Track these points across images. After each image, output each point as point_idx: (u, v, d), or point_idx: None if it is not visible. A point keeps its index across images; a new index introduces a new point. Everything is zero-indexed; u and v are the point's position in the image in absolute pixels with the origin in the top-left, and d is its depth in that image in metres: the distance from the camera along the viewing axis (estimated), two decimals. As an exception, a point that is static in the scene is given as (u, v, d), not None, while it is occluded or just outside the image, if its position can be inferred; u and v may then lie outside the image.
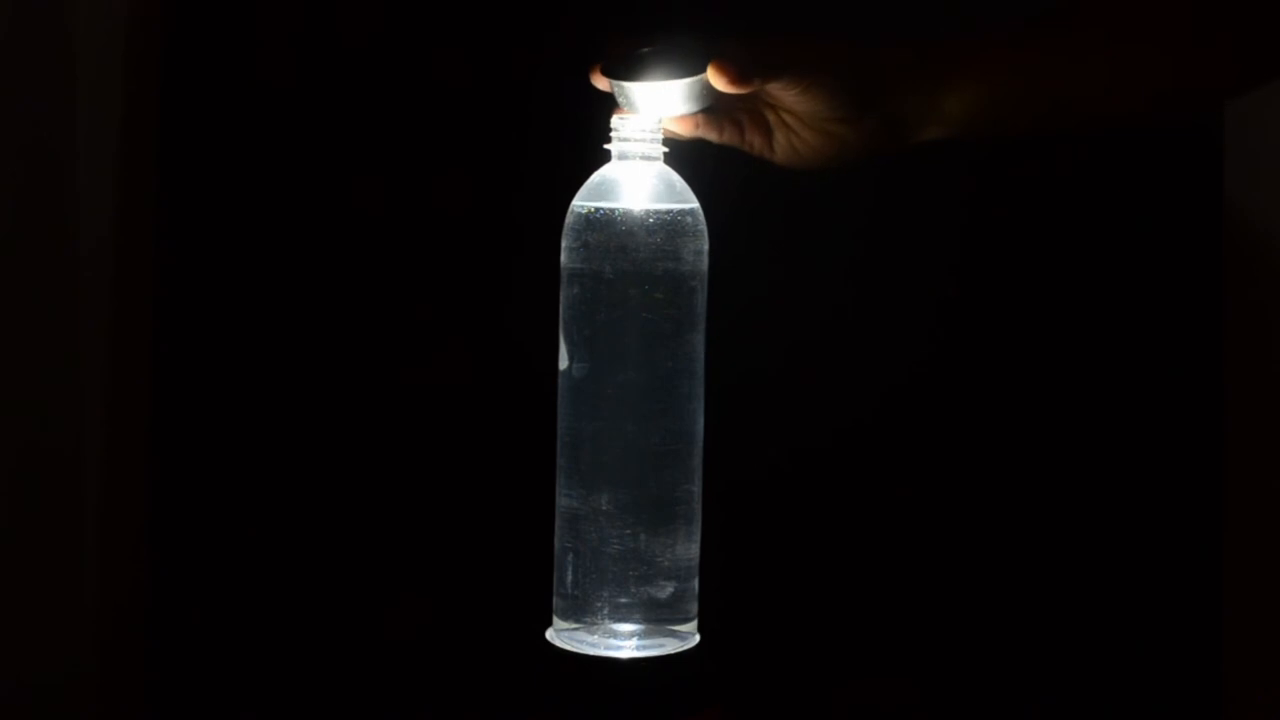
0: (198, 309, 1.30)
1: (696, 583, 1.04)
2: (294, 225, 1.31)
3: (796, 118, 1.06)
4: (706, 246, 1.03)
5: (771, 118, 1.07)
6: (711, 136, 1.06)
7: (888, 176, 1.25)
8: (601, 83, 1.03)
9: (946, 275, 1.36)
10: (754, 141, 1.07)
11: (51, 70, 1.18)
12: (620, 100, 1.03)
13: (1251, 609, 1.33)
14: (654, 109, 1.03)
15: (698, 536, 1.03)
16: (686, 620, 1.03)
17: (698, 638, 1.03)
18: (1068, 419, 1.36)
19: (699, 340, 1.03)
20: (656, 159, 1.03)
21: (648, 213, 1.01)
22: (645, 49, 1.02)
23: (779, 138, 1.07)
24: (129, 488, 1.25)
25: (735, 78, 1.01)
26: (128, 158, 1.23)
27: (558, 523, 1.03)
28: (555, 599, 1.03)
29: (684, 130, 1.05)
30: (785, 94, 1.04)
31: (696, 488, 1.03)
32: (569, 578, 1.02)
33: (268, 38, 1.30)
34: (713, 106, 1.05)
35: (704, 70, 1.01)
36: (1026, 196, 1.36)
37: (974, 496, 1.36)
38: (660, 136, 1.03)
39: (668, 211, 1.02)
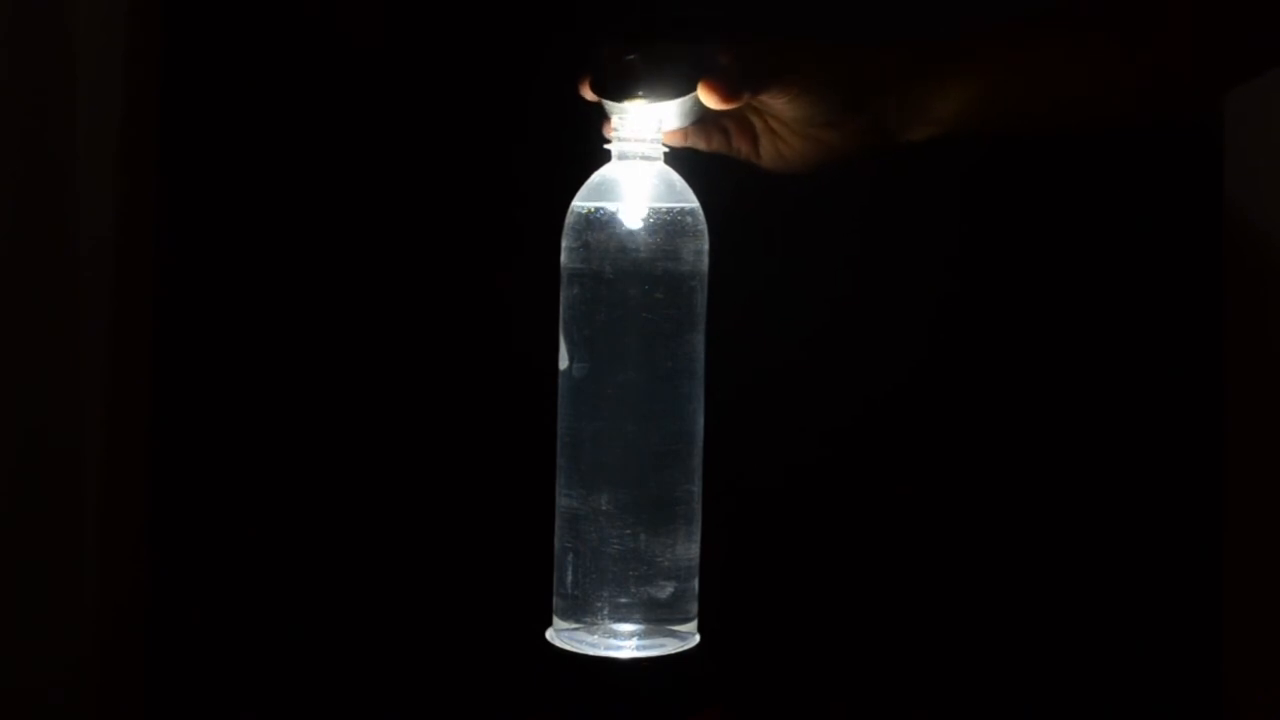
0: (198, 309, 1.30)
1: (696, 583, 1.04)
2: (294, 225, 1.31)
3: (782, 123, 1.07)
4: (706, 246, 1.03)
5: (758, 123, 1.08)
6: (700, 145, 1.07)
7: (889, 176, 1.25)
8: (591, 95, 1.03)
9: (946, 274, 1.36)
10: (741, 147, 1.08)
11: (51, 70, 1.18)
12: (611, 113, 1.04)
13: (1251, 609, 1.33)
14: (645, 124, 1.03)
15: (697, 536, 1.03)
16: (686, 620, 1.03)
17: (698, 638, 1.03)
18: (1068, 418, 1.36)
19: (699, 340, 1.03)
20: (656, 159, 1.03)
21: (648, 212, 1.01)
22: (632, 57, 1.02)
23: (765, 143, 1.08)
24: (129, 488, 1.25)
25: (725, 95, 1.02)
26: (128, 158, 1.23)
27: (558, 523, 1.03)
28: (555, 599, 1.03)
29: (674, 142, 1.06)
30: (773, 101, 1.04)
31: (696, 488, 1.03)
32: (569, 578, 1.02)
33: (269, 37, 1.30)
34: (701, 117, 1.06)
35: (694, 89, 1.02)
36: (1027, 196, 1.36)
37: (974, 494, 1.36)
38: (660, 136, 1.04)
39: (668, 211, 1.02)
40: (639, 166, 1.03)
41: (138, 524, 1.26)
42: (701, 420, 1.03)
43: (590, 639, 1.02)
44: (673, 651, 1.02)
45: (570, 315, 1.02)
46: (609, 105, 1.03)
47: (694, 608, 1.04)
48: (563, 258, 1.03)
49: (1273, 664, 1.31)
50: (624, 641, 1.02)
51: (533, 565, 1.06)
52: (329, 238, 1.32)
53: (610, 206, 1.01)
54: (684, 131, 1.06)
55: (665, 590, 1.02)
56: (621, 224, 1.01)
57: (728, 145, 1.08)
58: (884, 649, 1.36)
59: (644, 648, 1.02)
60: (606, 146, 1.04)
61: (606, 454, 1.01)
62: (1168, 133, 1.32)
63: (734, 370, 1.10)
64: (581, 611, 1.02)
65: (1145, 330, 1.36)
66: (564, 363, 1.02)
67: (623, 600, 1.01)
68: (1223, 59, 1.07)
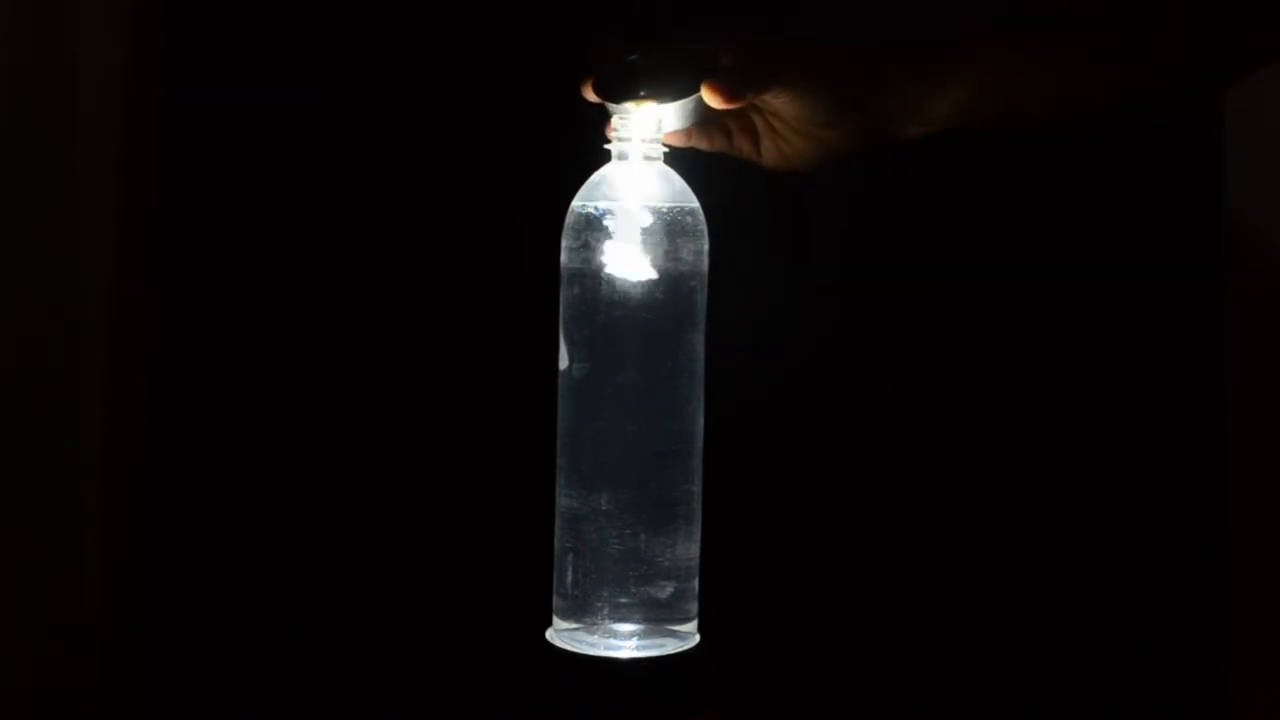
0: (198, 307, 1.30)
1: (696, 583, 1.04)
2: (294, 224, 1.32)
3: (783, 121, 1.07)
4: (706, 246, 1.03)
5: (759, 123, 1.08)
6: (702, 145, 1.08)
7: (890, 176, 1.25)
8: (594, 97, 1.03)
9: (946, 274, 1.36)
10: (742, 146, 1.09)
11: (51, 71, 1.18)
12: (613, 113, 1.04)
13: (1251, 609, 1.33)
14: (646, 124, 1.03)
15: (697, 536, 1.03)
16: (686, 620, 1.03)
17: (698, 638, 1.03)
18: (1068, 419, 1.36)
19: (699, 340, 1.03)
20: (656, 159, 1.03)
21: (648, 212, 1.01)
22: (634, 57, 1.03)
23: (766, 142, 1.08)
24: (129, 488, 1.25)
25: (729, 96, 1.02)
26: (128, 158, 1.23)
27: (558, 523, 1.03)
28: (555, 599, 1.03)
29: (676, 143, 1.06)
30: (775, 101, 1.04)
31: (696, 488, 1.03)
32: (569, 578, 1.02)
33: (269, 36, 1.30)
34: (703, 118, 1.06)
35: (697, 90, 1.02)
36: (1027, 196, 1.36)
37: (974, 494, 1.36)
38: (660, 136, 1.04)
39: (668, 211, 1.02)
40: (639, 166, 1.03)
41: (138, 524, 1.26)
42: (701, 420, 1.03)
43: (590, 639, 1.02)
44: (673, 651, 1.02)
45: (570, 315, 1.02)
46: (611, 106, 1.03)
47: (694, 608, 1.04)
48: (563, 258, 1.03)
49: (1273, 664, 1.31)
50: (624, 641, 1.02)
51: (533, 565, 1.06)
52: (329, 237, 1.32)
53: (610, 207, 1.01)
54: (686, 132, 1.06)
55: (665, 590, 1.02)
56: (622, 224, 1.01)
57: (729, 145, 1.08)
58: (884, 649, 1.36)
59: (644, 648, 1.02)
60: (607, 147, 1.04)
61: (606, 454, 1.01)
62: (1168, 133, 1.32)
63: (734, 370, 1.10)
64: (581, 611, 1.02)
65: (1145, 330, 1.36)
66: (564, 363, 1.02)
67: (623, 600, 1.01)
68: (1223, 59, 1.07)
